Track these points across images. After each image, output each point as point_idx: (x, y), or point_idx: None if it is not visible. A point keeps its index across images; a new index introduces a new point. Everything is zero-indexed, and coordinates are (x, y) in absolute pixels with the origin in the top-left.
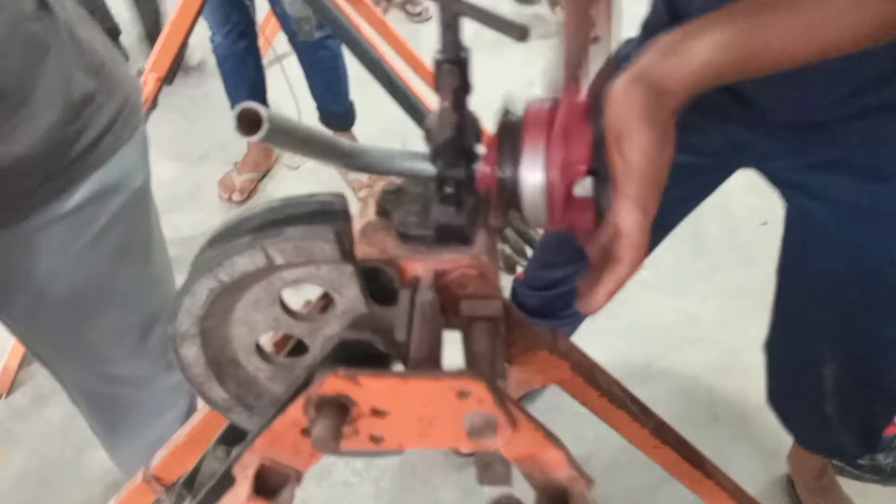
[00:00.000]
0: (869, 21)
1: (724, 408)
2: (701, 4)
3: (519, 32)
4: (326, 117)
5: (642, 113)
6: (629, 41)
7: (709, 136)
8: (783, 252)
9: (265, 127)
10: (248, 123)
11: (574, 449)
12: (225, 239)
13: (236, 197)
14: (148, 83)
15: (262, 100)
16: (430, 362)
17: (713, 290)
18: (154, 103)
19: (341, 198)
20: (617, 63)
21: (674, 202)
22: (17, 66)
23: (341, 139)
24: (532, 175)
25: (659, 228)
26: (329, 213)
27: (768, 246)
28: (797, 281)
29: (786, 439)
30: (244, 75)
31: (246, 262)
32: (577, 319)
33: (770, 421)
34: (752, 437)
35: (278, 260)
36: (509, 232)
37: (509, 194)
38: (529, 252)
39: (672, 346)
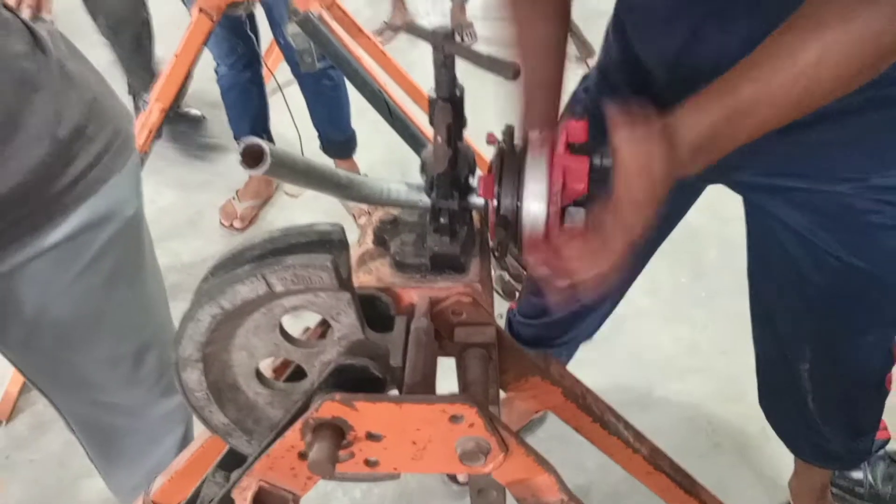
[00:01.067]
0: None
1: (724, 436)
2: (655, 54)
3: (510, 71)
4: (327, 145)
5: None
6: (586, 77)
7: None
8: (749, 255)
9: (268, 161)
10: (252, 158)
11: (575, 478)
12: (227, 267)
13: (237, 224)
14: (152, 114)
15: (265, 128)
16: (423, 387)
17: (712, 317)
18: (158, 133)
19: (339, 228)
20: (575, 101)
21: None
22: (7, 104)
23: (340, 171)
24: (534, 207)
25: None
26: (327, 243)
27: None
28: (766, 282)
29: (786, 466)
30: (248, 105)
31: (247, 289)
32: (572, 347)
33: (770, 448)
34: (752, 465)
35: (278, 288)
36: (508, 258)
37: (508, 223)
38: None
39: (672, 375)
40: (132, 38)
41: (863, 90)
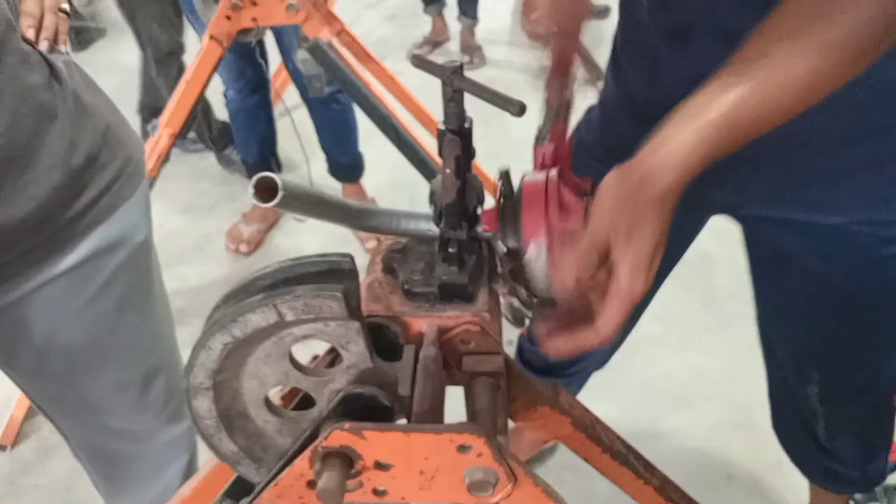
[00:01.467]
0: (832, 68)
1: (737, 466)
2: (643, 88)
3: (517, 108)
4: (335, 169)
5: (640, 205)
6: (590, 109)
7: None
8: (753, 282)
9: (280, 194)
10: (265, 191)
11: None
12: (239, 296)
13: (243, 248)
14: (162, 138)
15: (272, 151)
16: (432, 416)
17: (724, 344)
18: (167, 157)
19: (349, 258)
20: (579, 132)
21: None
22: (26, 134)
23: (350, 202)
24: (536, 252)
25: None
26: (337, 273)
27: None
28: (769, 307)
29: (801, 499)
30: (255, 129)
31: (258, 318)
32: (583, 377)
33: (784, 480)
34: (766, 497)
35: (289, 317)
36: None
37: (515, 268)
38: None
39: (683, 403)
40: (178, 70)
41: (862, 118)
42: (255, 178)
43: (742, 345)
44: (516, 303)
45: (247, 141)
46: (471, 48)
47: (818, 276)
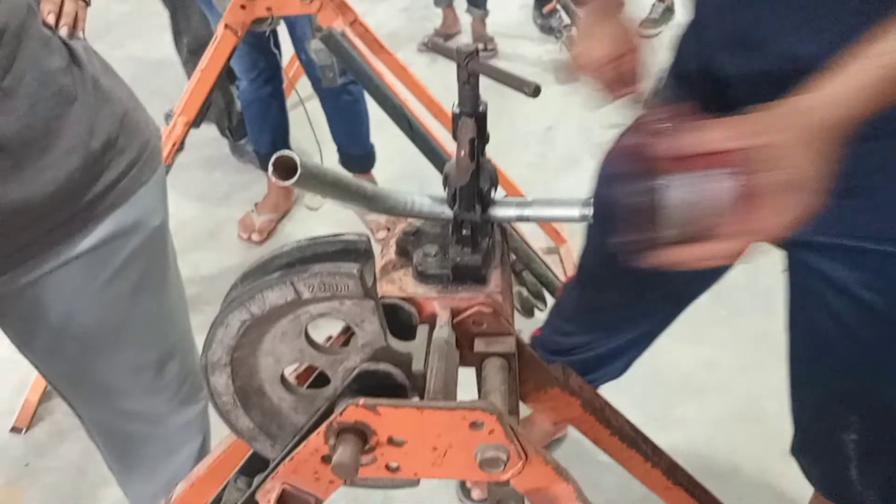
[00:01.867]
0: None
1: (744, 457)
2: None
3: (531, 89)
4: (347, 159)
5: (803, 132)
6: (659, 79)
7: None
8: (789, 313)
9: (299, 173)
10: (284, 170)
11: (593, 498)
12: (256, 275)
13: (255, 237)
14: (177, 127)
15: (285, 142)
16: (445, 394)
17: (733, 336)
18: (181, 146)
19: (365, 238)
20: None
21: (681, 284)
22: (46, 117)
23: (366, 183)
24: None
25: (666, 312)
26: (353, 252)
27: None
28: (806, 341)
29: (806, 488)
30: (268, 119)
31: (276, 295)
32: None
33: (790, 470)
34: (772, 487)
35: (305, 294)
36: (527, 274)
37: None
38: (547, 295)
39: (691, 394)
40: None
41: None
42: (274, 156)
43: (750, 337)
44: (525, 292)
45: (259, 131)
46: (483, 38)
47: (871, 310)
